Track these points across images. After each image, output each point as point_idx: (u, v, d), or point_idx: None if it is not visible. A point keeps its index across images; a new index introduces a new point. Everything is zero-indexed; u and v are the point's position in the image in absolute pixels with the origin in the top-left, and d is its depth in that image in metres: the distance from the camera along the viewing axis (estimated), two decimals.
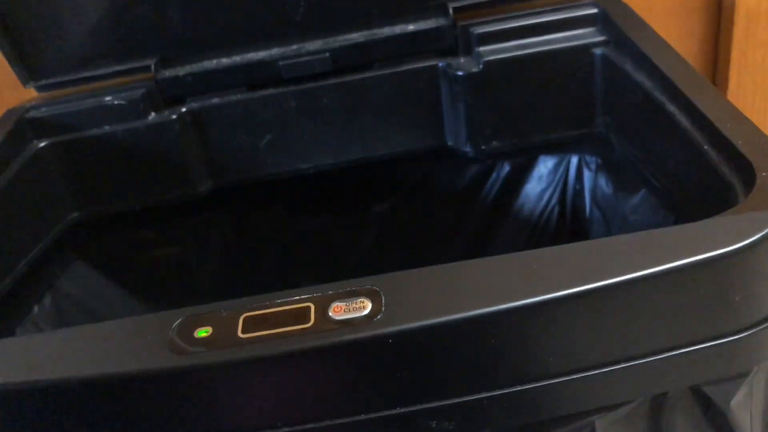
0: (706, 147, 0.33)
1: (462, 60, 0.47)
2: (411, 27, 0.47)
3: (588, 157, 0.53)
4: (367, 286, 0.27)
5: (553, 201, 0.55)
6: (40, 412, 0.25)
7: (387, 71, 0.48)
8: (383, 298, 0.26)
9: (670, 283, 0.25)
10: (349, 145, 0.50)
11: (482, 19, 0.47)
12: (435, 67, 0.48)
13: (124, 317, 0.51)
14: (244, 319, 0.26)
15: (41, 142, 0.47)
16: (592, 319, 0.26)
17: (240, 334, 0.26)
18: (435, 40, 0.47)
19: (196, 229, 0.56)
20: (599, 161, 0.52)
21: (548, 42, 0.46)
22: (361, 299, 0.26)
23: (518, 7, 0.47)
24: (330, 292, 0.27)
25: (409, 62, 0.48)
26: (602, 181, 0.51)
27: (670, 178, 0.39)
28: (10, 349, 0.27)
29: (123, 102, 0.47)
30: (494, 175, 0.56)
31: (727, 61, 0.59)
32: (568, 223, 0.55)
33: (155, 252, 0.56)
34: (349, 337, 0.25)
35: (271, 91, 0.48)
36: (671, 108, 0.37)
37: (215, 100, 0.48)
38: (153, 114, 0.48)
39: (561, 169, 0.54)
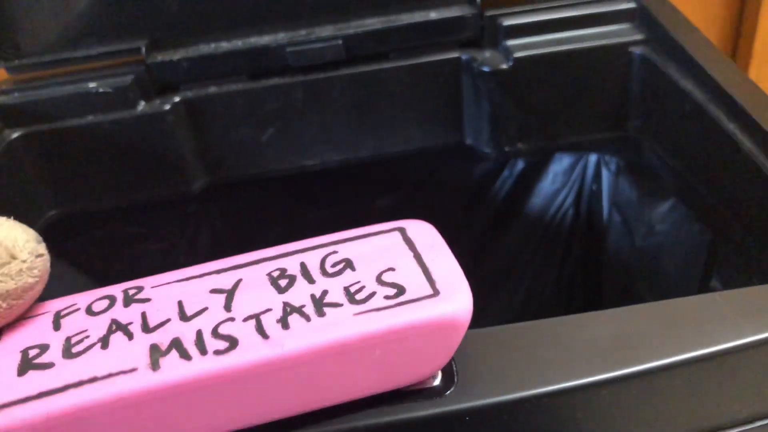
0: None
1: (487, 54, 0.43)
2: (433, 14, 0.43)
3: (608, 157, 0.50)
4: None
5: (568, 201, 0.52)
6: None
7: (404, 63, 0.44)
8: (454, 365, 0.23)
9: None
10: (360, 142, 0.46)
11: (510, 10, 0.43)
12: (457, 60, 0.44)
13: None
14: None
15: (14, 133, 0.42)
16: (692, 388, 0.23)
17: None
18: (458, 30, 0.43)
19: (185, 224, 0.51)
20: (620, 162, 0.49)
21: (582, 38, 0.42)
22: None
23: None
24: None
25: (428, 53, 0.44)
26: (624, 184, 0.48)
27: (719, 197, 0.36)
28: None
29: (109, 89, 0.42)
30: (506, 172, 0.53)
31: (749, 51, 0.57)
32: (582, 225, 0.53)
33: (139, 247, 0.51)
34: (420, 413, 0.22)
35: (275, 80, 0.43)
36: (730, 126, 0.34)
37: (213, 89, 0.43)
38: (143, 103, 0.43)
39: (578, 169, 0.51)
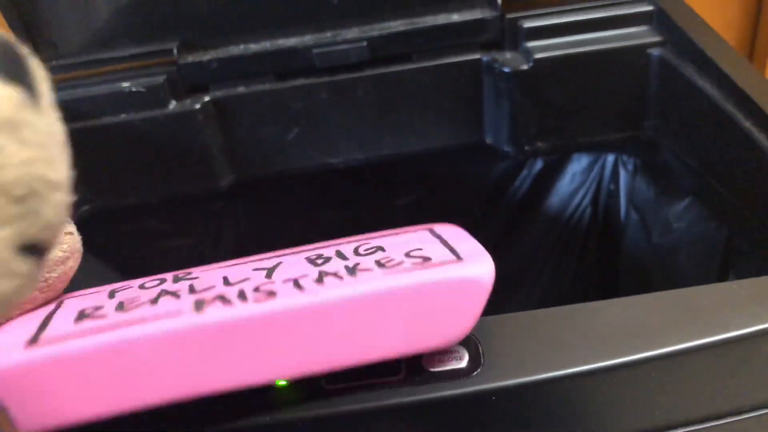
0: None
1: (508, 55, 0.44)
2: (455, 17, 0.44)
3: (625, 158, 0.51)
4: None
5: (586, 201, 0.53)
6: None
7: (427, 64, 0.45)
8: (480, 347, 0.24)
9: None
10: (382, 140, 0.47)
11: (531, 12, 0.44)
12: (478, 61, 0.45)
13: None
14: None
15: None
16: (709, 372, 0.24)
17: (325, 385, 0.24)
18: (480, 32, 0.44)
19: (212, 220, 0.53)
20: (638, 162, 0.50)
21: (601, 40, 0.43)
22: (456, 347, 0.24)
23: (568, 0, 0.44)
24: None
25: (450, 55, 0.45)
26: (641, 183, 0.49)
27: (737, 195, 0.37)
28: None
29: (142, 88, 0.43)
30: (525, 171, 0.54)
31: (765, 55, 0.58)
32: (600, 224, 0.54)
33: (167, 243, 0.53)
34: (448, 392, 0.23)
35: (301, 81, 0.45)
36: (746, 124, 0.35)
37: (241, 89, 0.45)
38: (174, 102, 0.44)
39: (596, 169, 0.52)
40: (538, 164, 0.53)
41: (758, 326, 0.24)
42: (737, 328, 0.24)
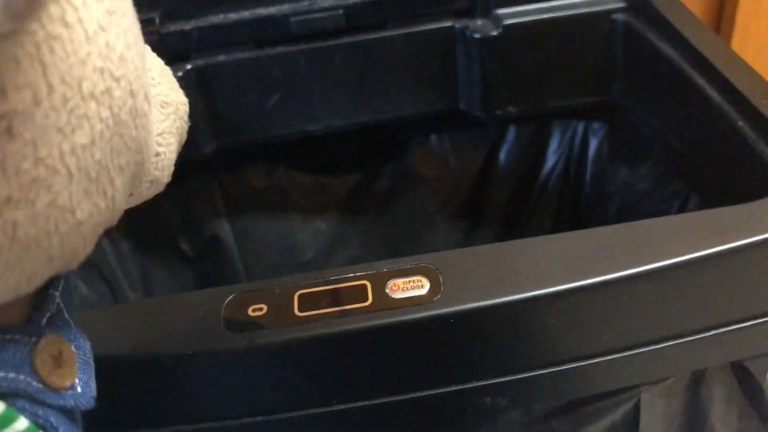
0: (740, 123, 0.33)
1: (479, 22, 0.46)
2: None
3: (595, 124, 0.53)
4: (423, 264, 0.26)
5: (558, 167, 0.55)
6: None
7: (401, 31, 0.46)
8: (441, 277, 0.26)
9: (726, 264, 0.26)
10: (360, 107, 0.49)
11: None
12: (451, 28, 0.46)
13: (126, 274, 0.50)
14: (300, 297, 0.26)
15: None
16: (646, 299, 0.26)
17: (297, 312, 0.25)
18: (452, 0, 0.46)
19: (196, 188, 0.54)
20: (605, 128, 0.52)
21: (568, 6, 0.45)
22: (418, 277, 0.26)
23: None
24: (385, 270, 0.26)
25: (424, 22, 0.46)
26: (608, 148, 0.51)
27: (693, 150, 0.39)
28: None
29: None
30: (500, 140, 0.55)
31: (731, 29, 0.60)
32: (571, 188, 0.55)
33: (152, 210, 0.54)
34: (410, 316, 0.25)
35: (280, 49, 0.46)
36: (700, 81, 0.37)
37: (221, 58, 0.46)
38: None
39: (567, 136, 0.54)
40: (512, 132, 0.55)
41: (697, 253, 0.26)
42: (679, 255, 0.26)
